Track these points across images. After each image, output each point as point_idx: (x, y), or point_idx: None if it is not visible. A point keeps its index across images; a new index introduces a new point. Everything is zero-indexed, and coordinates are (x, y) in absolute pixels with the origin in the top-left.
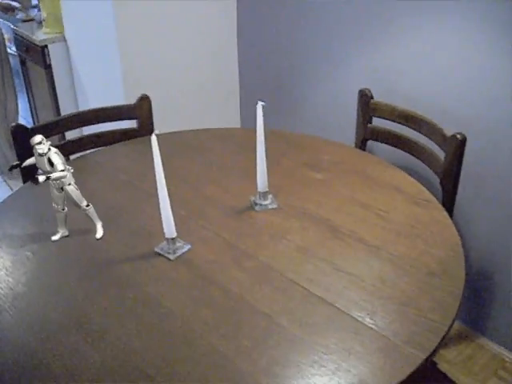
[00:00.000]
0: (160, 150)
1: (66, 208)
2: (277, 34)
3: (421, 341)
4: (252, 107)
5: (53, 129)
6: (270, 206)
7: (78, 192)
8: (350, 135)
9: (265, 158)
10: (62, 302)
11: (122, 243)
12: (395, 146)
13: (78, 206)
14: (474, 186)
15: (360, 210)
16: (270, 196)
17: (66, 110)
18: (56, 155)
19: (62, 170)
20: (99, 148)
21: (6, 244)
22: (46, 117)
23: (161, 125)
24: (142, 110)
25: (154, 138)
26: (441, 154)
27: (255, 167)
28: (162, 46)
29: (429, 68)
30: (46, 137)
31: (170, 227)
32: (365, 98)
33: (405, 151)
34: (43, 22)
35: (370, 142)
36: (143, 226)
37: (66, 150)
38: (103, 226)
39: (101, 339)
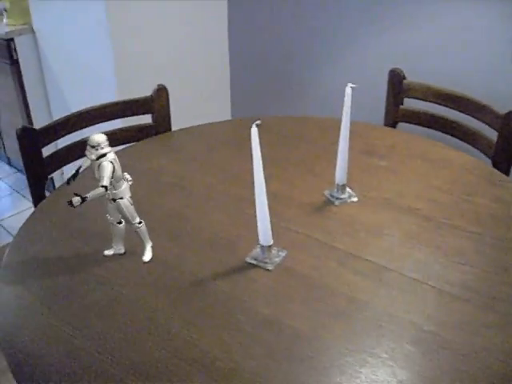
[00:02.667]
0: (197, 144)
1: (124, 221)
2: (279, 14)
3: None
4: (243, 97)
5: (62, 128)
6: (349, 200)
7: (132, 207)
8: (375, 117)
9: (347, 147)
10: (164, 337)
11: (201, 257)
12: (431, 128)
13: (129, 222)
14: None
15: (442, 195)
16: (347, 189)
17: (37, 109)
18: (107, 166)
19: (103, 187)
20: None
21: (63, 268)
22: (12, 118)
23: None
24: (159, 102)
25: (254, 130)
26: (489, 133)
27: (311, 159)
28: (154, 37)
29: (457, 45)
30: (56, 138)
31: (266, 234)
32: (397, 78)
33: (443, 132)
34: (5, 13)
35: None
36: (217, 234)
37: (75, 153)
38: (168, 240)
39: (232, 379)
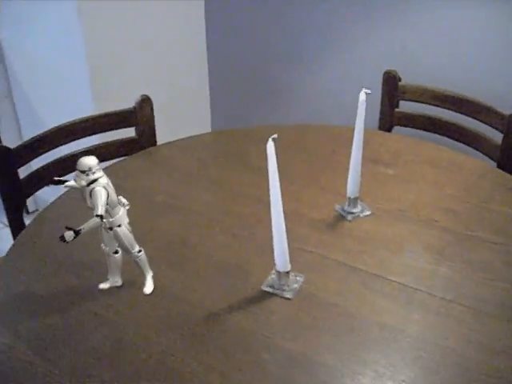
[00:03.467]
0: (187, 159)
1: (120, 251)
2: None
3: None
4: (224, 105)
5: (40, 147)
6: (362, 214)
7: (131, 235)
8: (369, 121)
9: (360, 158)
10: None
11: (210, 286)
12: (429, 131)
13: (127, 251)
14: None
15: (458, 204)
16: (359, 202)
17: (5, 125)
18: (100, 192)
19: (98, 216)
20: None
21: (54, 307)
22: None
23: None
24: (143, 114)
25: (270, 145)
26: (492, 134)
27: (314, 170)
28: (129, 44)
29: (454, 44)
30: (33, 157)
31: (284, 259)
32: (392, 80)
33: (442, 135)
34: None
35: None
36: (225, 260)
37: (55, 172)
38: (171, 268)
39: None
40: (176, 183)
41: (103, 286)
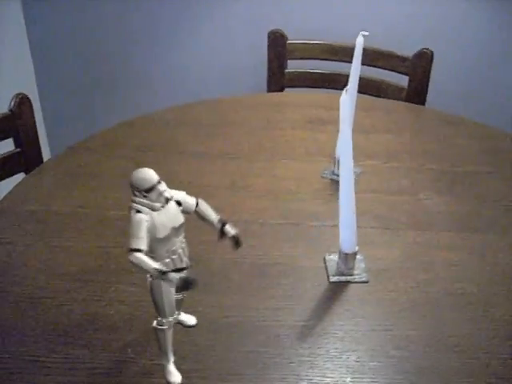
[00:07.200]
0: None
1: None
2: None
3: None
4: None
5: None
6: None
7: None
8: (258, 85)
9: (353, 112)
10: None
11: (262, 302)
12: (326, 87)
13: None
14: None
15: (422, 145)
16: None
17: None
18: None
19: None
20: None
21: None
22: None
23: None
24: (23, 119)
25: (344, 98)
26: (395, 79)
27: (267, 144)
28: None
29: None
30: None
31: (352, 238)
32: (279, 40)
33: (341, 90)
34: None
35: None
36: (253, 262)
37: None
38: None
39: None
40: (115, 193)
41: (176, 380)
